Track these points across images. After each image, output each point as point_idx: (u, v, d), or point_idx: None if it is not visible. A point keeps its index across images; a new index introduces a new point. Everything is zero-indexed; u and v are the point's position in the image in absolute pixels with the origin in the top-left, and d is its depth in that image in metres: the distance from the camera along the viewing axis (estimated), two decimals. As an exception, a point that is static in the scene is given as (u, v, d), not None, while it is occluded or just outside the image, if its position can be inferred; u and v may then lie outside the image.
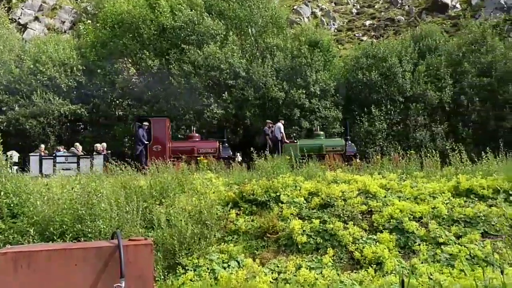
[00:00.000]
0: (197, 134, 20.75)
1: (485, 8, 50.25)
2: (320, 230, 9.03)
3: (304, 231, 8.99)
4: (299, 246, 8.72)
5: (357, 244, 8.56)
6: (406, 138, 24.89)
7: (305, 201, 10.23)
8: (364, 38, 52.31)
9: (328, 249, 8.53)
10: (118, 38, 26.06)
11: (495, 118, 24.86)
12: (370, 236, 8.86)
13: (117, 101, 25.65)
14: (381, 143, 24.28)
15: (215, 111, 23.24)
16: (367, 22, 58.46)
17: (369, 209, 9.79)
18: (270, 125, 20.59)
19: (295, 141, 20.36)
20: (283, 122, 20.59)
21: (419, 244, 8.46)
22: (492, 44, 26.14)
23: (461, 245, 8.27)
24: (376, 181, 10.97)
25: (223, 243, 8.94)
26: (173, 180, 10.81)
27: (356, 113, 25.01)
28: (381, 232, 8.89)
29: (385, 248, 8.28)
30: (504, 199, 10.22)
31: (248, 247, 9.01)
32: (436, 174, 12.18)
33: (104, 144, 20.37)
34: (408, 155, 14.06)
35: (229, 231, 9.47)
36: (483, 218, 9.13)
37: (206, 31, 25.38)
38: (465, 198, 10.19)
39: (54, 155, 19.19)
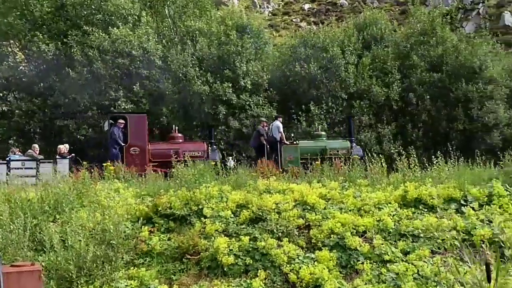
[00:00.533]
0: (180, 134, 20.29)
1: (437, -6, 53.18)
2: (250, 249, 9.09)
3: (231, 250, 9.01)
4: (225, 269, 8.72)
5: (292, 265, 8.70)
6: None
7: (232, 215, 10.25)
8: (303, 24, 53.47)
9: (259, 271, 8.61)
10: (1, 16, 24.88)
11: (447, 119, 26.22)
12: (307, 255, 9.03)
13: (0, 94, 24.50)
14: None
15: (123, 106, 22.76)
16: (306, 6, 59.84)
17: (307, 223, 9.99)
18: (265, 124, 20.45)
19: (296, 142, 20.39)
20: (281, 120, 20.55)
21: (362, 263, 8.75)
22: (443, 35, 27.59)
23: (408, 263, 8.64)
24: (315, 191, 11.21)
25: (132, 267, 8.76)
26: (71, 192, 10.46)
27: (293, 111, 25.45)
28: (320, 249, 9.09)
29: (324, 268, 8.47)
30: (455, 209, 10.82)
31: (164, 272, 8.89)
32: (382, 181, 12.64)
33: (67, 146, 19.62)
34: (351, 160, 14.52)
35: (140, 253, 9.29)
36: (433, 231, 9.59)
37: (116, 10, 24.84)
38: (413, 209, 10.66)
39: (7, 159, 18.34)
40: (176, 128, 20.75)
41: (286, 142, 19.72)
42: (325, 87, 25.83)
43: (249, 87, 24.90)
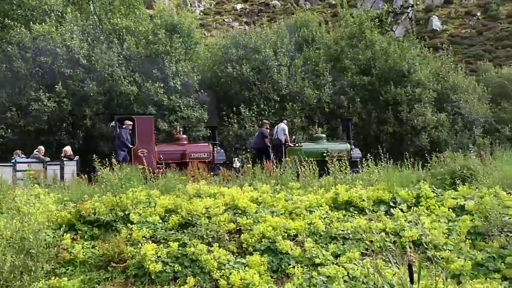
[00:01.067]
0: (184, 136, 20.39)
1: (367, -3, 54.75)
2: (179, 255, 8.99)
3: (159, 257, 8.88)
4: (153, 276, 8.58)
5: (223, 270, 8.67)
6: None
7: (161, 221, 10.11)
8: (235, 24, 53.64)
9: (188, 278, 8.52)
10: None
11: (378, 121, 27.03)
12: (238, 260, 9.03)
13: None
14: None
15: (45, 103, 21.98)
16: (238, 6, 60.09)
17: (238, 228, 9.98)
18: (267, 126, 20.64)
19: (299, 144, 20.69)
20: (286, 122, 20.87)
21: (293, 267, 8.83)
22: (371, 38, 28.46)
23: (339, 265, 8.80)
24: (247, 194, 11.23)
25: (53, 277, 8.46)
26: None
27: (224, 113, 25.45)
28: (251, 254, 9.11)
29: (255, 273, 8.49)
30: (385, 211, 11.14)
31: (88, 281, 8.64)
32: (314, 184, 12.85)
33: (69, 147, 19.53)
34: (284, 162, 14.66)
35: (62, 262, 8.99)
36: (363, 233, 9.82)
37: (38, 5, 24.01)
38: (344, 212, 10.88)
39: (13, 161, 18.19)
40: (181, 129, 21.00)
41: (290, 144, 20.19)
42: (257, 89, 26.01)
43: (179, 88, 24.69)
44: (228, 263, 8.89)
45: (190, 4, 55.70)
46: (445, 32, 52.80)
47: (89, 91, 23.10)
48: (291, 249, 9.21)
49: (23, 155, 19.37)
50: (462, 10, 55.79)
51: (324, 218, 10.40)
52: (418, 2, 56.17)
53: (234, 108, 25.20)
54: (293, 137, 21.71)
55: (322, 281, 8.51)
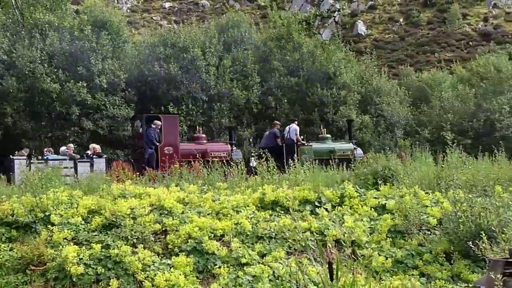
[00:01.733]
0: (203, 135, 21.34)
1: (296, 0, 55.60)
2: (102, 257, 8.78)
3: (81, 259, 8.64)
4: (74, 279, 8.34)
5: (147, 272, 8.55)
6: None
7: (83, 222, 9.85)
8: (164, 22, 53.06)
9: (112, 280, 8.34)
10: None
11: (305, 123, 27.49)
12: (163, 261, 8.94)
13: None
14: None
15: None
16: (167, 4, 59.48)
17: (164, 228, 9.87)
18: (278, 127, 21.40)
19: (309, 144, 21.23)
20: (297, 123, 21.61)
21: (219, 267, 8.83)
22: (299, 41, 28.95)
23: (265, 265, 8.88)
24: (173, 195, 11.12)
25: (-34, 283, 8.06)
26: None
27: (152, 112, 25.12)
28: (177, 255, 9.03)
29: (180, 274, 8.43)
30: (310, 211, 11.34)
31: (5, 285, 8.31)
32: (241, 184, 12.89)
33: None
34: (210, 162, 14.63)
35: (-23, 266, 8.58)
36: (289, 233, 9.95)
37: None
38: (270, 212, 10.99)
39: (45, 158, 17.85)
40: (200, 129, 22.03)
41: (303, 142, 20.86)
42: (185, 89, 25.80)
43: (105, 86, 24.12)
44: (153, 265, 8.79)
45: (117, 1, 54.59)
46: (369, 36, 54.42)
47: (9, 88, 22.15)
48: (218, 249, 9.20)
49: (53, 153, 19.57)
50: (385, 16, 57.67)
51: (251, 218, 10.46)
52: (344, 7, 57.58)
53: (162, 107, 24.88)
54: (301, 136, 21.96)
55: (248, 280, 8.55)
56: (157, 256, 9.09)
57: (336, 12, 56.19)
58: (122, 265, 8.65)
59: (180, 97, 25.65)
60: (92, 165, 17.63)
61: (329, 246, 6.60)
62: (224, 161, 17.58)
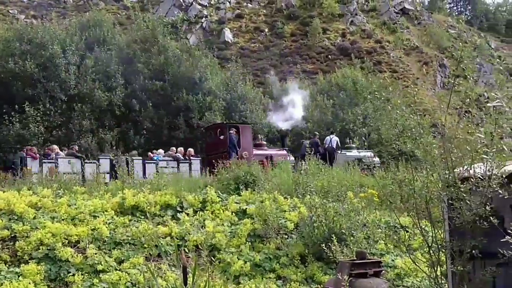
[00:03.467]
0: (264, 142, 25.21)
1: (163, 3, 55.14)
2: None
3: None
4: None
5: (-7, 282, 7.97)
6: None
7: None
8: (21, 17, 50.05)
9: (-50, 292, 7.67)
10: None
11: (169, 127, 27.30)
12: (11, 269, 8.44)
13: None
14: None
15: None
16: (25, -2, 56.27)
17: (13, 235, 9.30)
18: (318, 136, 25.67)
19: (343, 151, 24.87)
20: (335, 134, 26.06)
21: (73, 274, 8.47)
22: (165, 44, 28.74)
23: (122, 271, 8.66)
24: (24, 199, 10.52)
25: None
26: None
27: (5, 111, 23.51)
28: (27, 262, 8.54)
29: (30, 283, 7.97)
30: (172, 216, 11.27)
31: None
32: (100, 189, 12.50)
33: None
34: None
35: None
36: (149, 238, 9.79)
37: None
38: (130, 217, 10.77)
39: (156, 159, 20.89)
40: (262, 137, 26.37)
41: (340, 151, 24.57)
42: (42, 87, 24.45)
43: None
44: (0, 273, 8.21)
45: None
46: (236, 44, 55.36)
47: None
48: (72, 256, 8.83)
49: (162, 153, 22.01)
50: (252, 25, 59.00)
51: (109, 223, 10.19)
52: (212, 14, 58.11)
53: (16, 106, 23.33)
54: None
55: (104, 287, 8.29)
56: (4, 264, 8.51)
57: (204, 18, 56.45)
58: (-37, 275, 8.00)
59: (37, 95, 24.26)
60: (190, 165, 21.02)
61: (183, 252, 6.58)
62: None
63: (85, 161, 19.14)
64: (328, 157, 23.67)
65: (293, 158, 24.02)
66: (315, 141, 25.14)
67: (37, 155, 19.09)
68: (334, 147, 25.00)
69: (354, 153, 25.60)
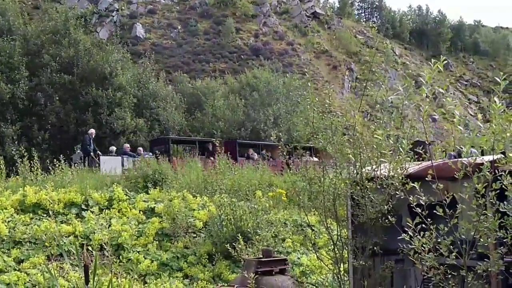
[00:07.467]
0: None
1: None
2: None
3: None
4: None
5: None
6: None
7: None
8: None
9: None
10: None
11: (76, 122, 26.46)
12: None
13: None
14: None
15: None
16: None
17: None
18: None
19: None
20: None
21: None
22: (75, 37, 27.84)
23: (21, 271, 8.32)
24: None
25: None
26: None
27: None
28: None
29: None
30: (76, 214, 10.94)
31: None
32: (0, 185, 11.97)
33: None
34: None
35: None
36: (51, 237, 9.46)
37: None
38: (31, 215, 10.37)
39: None
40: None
41: None
42: None
43: None
44: None
45: None
46: (148, 40, 54.57)
47: None
48: (-37, 257, 8.37)
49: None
50: (164, 22, 58.41)
51: (8, 221, 9.76)
52: (123, 7, 56.92)
53: None
54: None
55: (1, 289, 7.94)
56: None
57: (115, 12, 55.23)
58: None
59: None
60: None
61: (87, 251, 6.43)
62: None
63: None
64: None
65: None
66: None
67: None
68: None
69: None
